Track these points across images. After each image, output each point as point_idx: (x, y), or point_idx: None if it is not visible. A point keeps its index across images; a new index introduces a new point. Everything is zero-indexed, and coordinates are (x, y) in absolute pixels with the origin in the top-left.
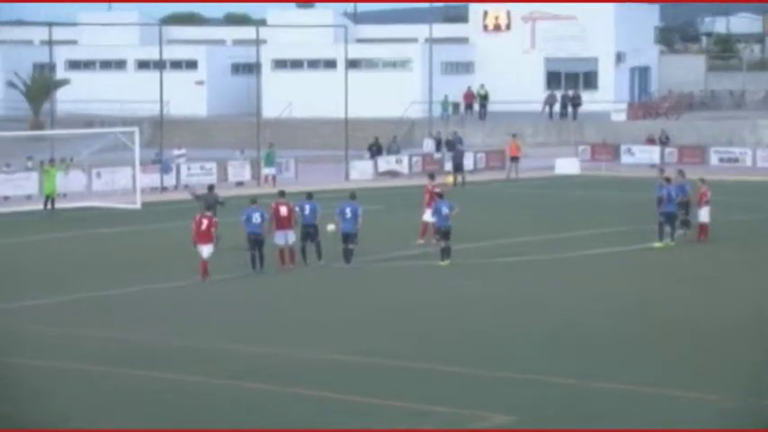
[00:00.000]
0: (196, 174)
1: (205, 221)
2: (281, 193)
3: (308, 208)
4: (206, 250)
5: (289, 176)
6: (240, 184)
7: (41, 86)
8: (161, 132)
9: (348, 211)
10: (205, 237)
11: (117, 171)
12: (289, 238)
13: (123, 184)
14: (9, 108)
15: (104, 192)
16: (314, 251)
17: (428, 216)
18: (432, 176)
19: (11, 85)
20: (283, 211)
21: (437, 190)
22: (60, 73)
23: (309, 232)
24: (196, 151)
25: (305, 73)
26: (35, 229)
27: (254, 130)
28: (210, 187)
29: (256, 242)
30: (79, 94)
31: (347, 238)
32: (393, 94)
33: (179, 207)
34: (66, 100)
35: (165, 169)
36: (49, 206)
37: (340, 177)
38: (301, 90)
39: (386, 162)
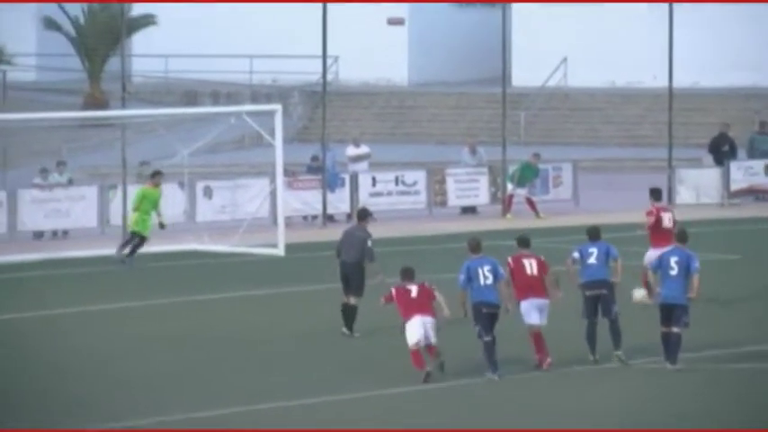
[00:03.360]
0: (388, 191)
1: (414, 287)
2: (523, 242)
3: (593, 254)
4: (418, 329)
5: (562, 197)
6: (469, 211)
7: (106, 28)
8: (323, 114)
9: (673, 263)
10: (419, 305)
11: (242, 186)
12: (543, 311)
13: (254, 211)
14: (49, 68)
15: (217, 224)
16: (607, 332)
17: None
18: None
19: (50, 25)
20: (531, 266)
21: None
22: (139, 5)
23: (602, 297)
24: (388, 149)
25: (589, 5)
26: (101, 290)
27: (493, 109)
28: None
29: (490, 320)
30: (172, 43)
31: (671, 313)
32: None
33: None
34: (148, 54)
35: (332, 183)
36: (128, 249)
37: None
38: (580, 35)
39: (744, 171)
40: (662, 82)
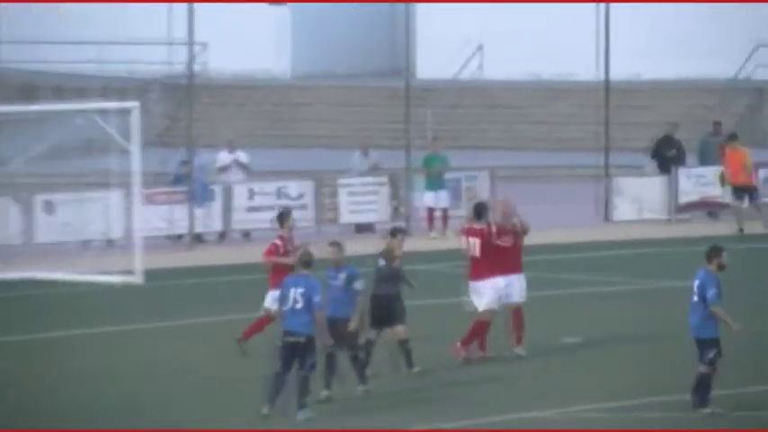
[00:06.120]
0: (268, 205)
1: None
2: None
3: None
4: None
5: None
6: (365, 229)
7: None
8: (190, 113)
9: None
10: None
11: (91, 199)
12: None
13: (104, 229)
14: None
15: (61, 246)
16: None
17: None
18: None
19: None
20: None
21: None
22: None
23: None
24: (267, 154)
25: None
26: None
27: (394, 106)
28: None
29: (287, 353)
30: (4, 27)
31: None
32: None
33: (238, 280)
34: None
35: (201, 195)
36: None
37: (596, 215)
38: (498, 19)
39: (694, 181)
40: (596, 74)
